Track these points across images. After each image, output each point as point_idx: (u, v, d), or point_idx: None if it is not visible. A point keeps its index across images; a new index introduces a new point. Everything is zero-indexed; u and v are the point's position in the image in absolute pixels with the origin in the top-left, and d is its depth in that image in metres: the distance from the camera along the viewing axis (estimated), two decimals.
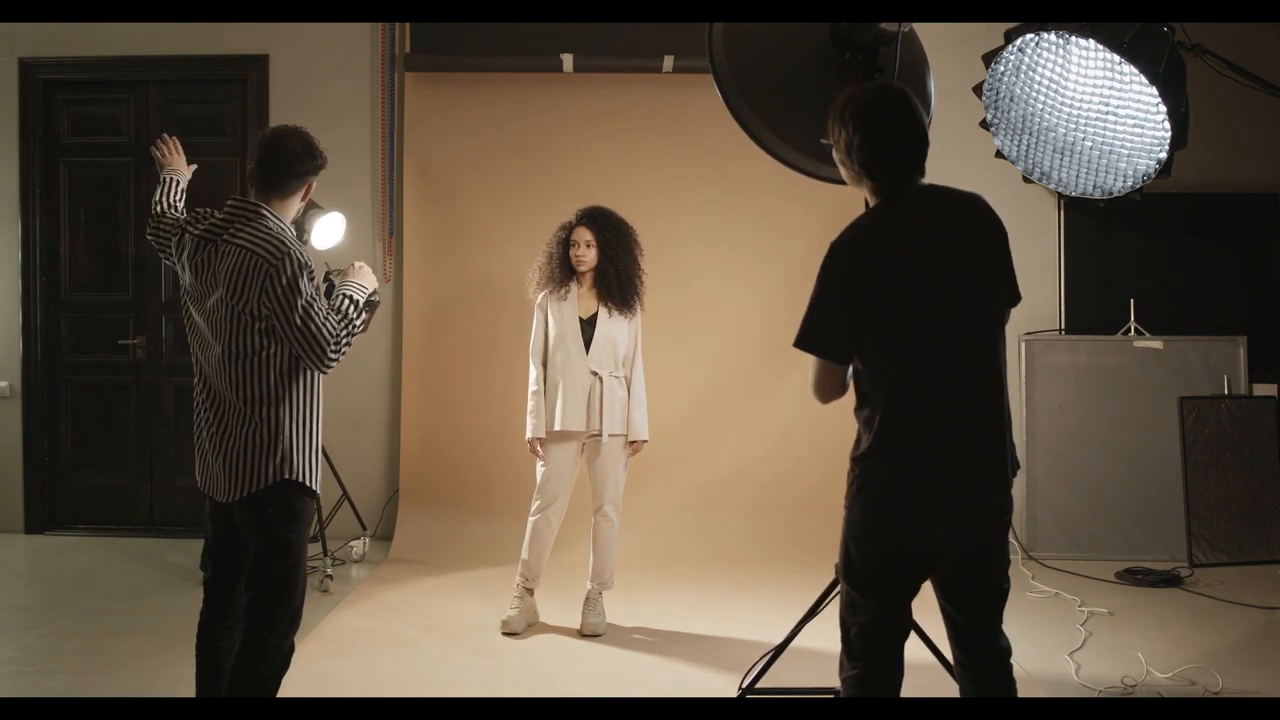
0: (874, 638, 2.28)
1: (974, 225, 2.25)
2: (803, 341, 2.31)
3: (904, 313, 2.22)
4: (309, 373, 2.59)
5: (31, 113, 5.61)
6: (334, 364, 2.56)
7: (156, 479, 5.66)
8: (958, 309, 2.20)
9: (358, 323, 2.67)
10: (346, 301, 2.67)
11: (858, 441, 2.27)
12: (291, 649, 2.61)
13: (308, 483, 2.59)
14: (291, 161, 2.61)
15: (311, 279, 2.53)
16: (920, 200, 2.25)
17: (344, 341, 2.58)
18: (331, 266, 2.86)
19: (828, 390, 2.33)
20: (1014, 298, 2.30)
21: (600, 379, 3.97)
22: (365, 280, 2.77)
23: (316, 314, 2.51)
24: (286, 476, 2.54)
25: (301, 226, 4.51)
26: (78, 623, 4.08)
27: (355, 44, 5.55)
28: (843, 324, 2.25)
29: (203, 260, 2.55)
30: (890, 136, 2.24)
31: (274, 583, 2.56)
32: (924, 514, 2.20)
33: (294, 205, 2.67)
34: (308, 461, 2.59)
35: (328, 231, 4.74)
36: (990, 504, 2.22)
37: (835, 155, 2.32)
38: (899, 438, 2.20)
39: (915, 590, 2.30)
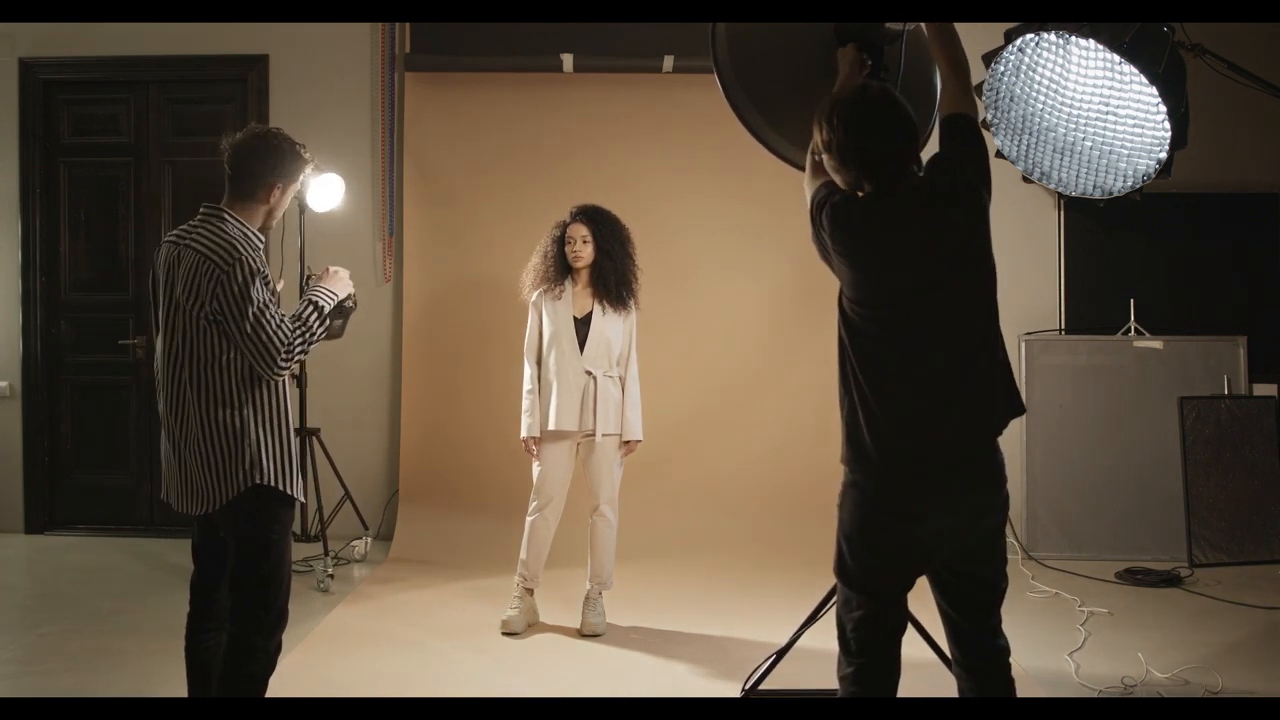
0: (869, 634, 2.29)
1: (955, 212, 2.25)
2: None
3: (886, 307, 2.23)
4: None
5: (31, 113, 5.61)
6: (285, 371, 2.53)
7: (156, 479, 5.65)
8: (941, 303, 2.21)
9: (317, 330, 2.61)
10: (310, 308, 2.62)
11: (844, 440, 2.29)
12: (278, 648, 2.60)
13: (282, 487, 2.54)
14: (247, 160, 2.58)
15: (266, 284, 2.50)
16: (910, 195, 2.26)
17: (297, 349, 2.54)
18: (312, 271, 2.84)
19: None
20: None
21: (594, 378, 3.96)
22: (337, 286, 2.73)
23: (268, 322, 2.47)
24: (257, 481, 2.50)
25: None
26: (78, 623, 4.08)
27: (355, 44, 5.55)
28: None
29: (170, 264, 2.54)
30: (880, 134, 2.25)
31: (256, 585, 2.54)
32: (909, 513, 2.20)
33: (259, 210, 2.61)
34: (279, 466, 2.54)
35: (325, 193, 4.74)
36: (979, 502, 2.22)
37: (826, 161, 2.33)
38: (881, 436, 2.21)
39: (909, 586, 2.31)
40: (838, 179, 2.35)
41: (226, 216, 2.56)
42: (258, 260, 2.50)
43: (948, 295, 2.21)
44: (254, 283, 2.46)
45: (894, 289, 2.23)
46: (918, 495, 2.20)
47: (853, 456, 2.27)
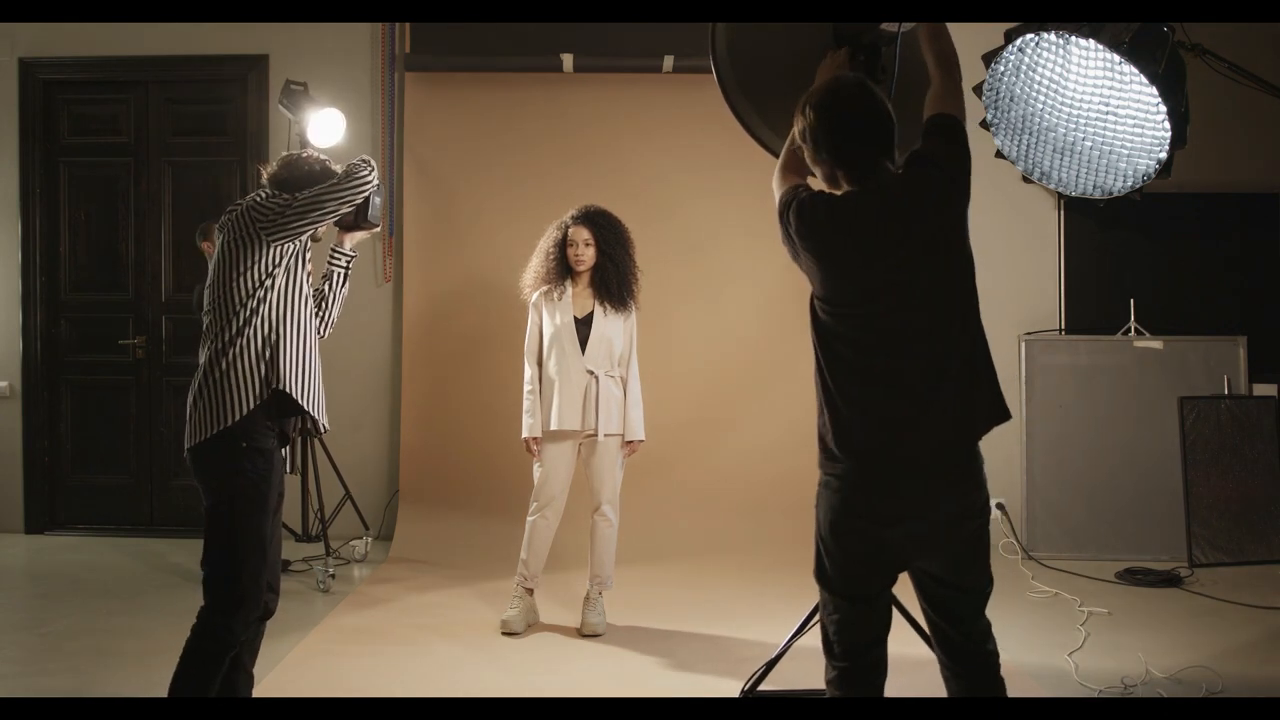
0: (851, 637, 2.25)
1: (928, 209, 2.20)
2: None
3: (853, 305, 2.19)
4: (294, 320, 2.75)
5: (31, 113, 5.61)
6: (372, 173, 2.79)
7: (156, 479, 5.66)
8: (912, 303, 2.16)
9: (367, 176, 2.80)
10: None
11: (817, 442, 2.25)
12: (244, 628, 2.65)
13: (296, 396, 2.69)
14: (287, 184, 2.81)
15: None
16: (882, 190, 2.22)
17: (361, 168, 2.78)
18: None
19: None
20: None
21: (596, 378, 3.97)
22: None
23: (313, 192, 2.73)
24: (275, 386, 2.66)
25: (301, 123, 4.75)
26: (78, 623, 4.08)
27: (355, 44, 5.56)
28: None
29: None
30: (853, 124, 2.22)
31: (218, 555, 2.64)
32: (879, 516, 2.16)
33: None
34: (298, 379, 2.71)
35: (326, 128, 4.81)
36: (954, 506, 2.16)
37: (805, 152, 2.31)
38: (849, 438, 2.17)
39: (888, 586, 2.27)
40: (817, 172, 2.32)
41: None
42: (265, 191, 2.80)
43: (918, 295, 2.16)
44: (273, 192, 2.76)
45: (861, 286, 2.19)
46: (887, 498, 2.15)
47: (824, 458, 2.23)
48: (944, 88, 2.35)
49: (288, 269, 2.73)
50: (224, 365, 2.63)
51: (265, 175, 2.87)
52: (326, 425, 2.85)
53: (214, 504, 2.64)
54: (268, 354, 2.66)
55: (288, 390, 2.67)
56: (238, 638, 2.63)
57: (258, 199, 2.74)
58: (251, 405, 2.63)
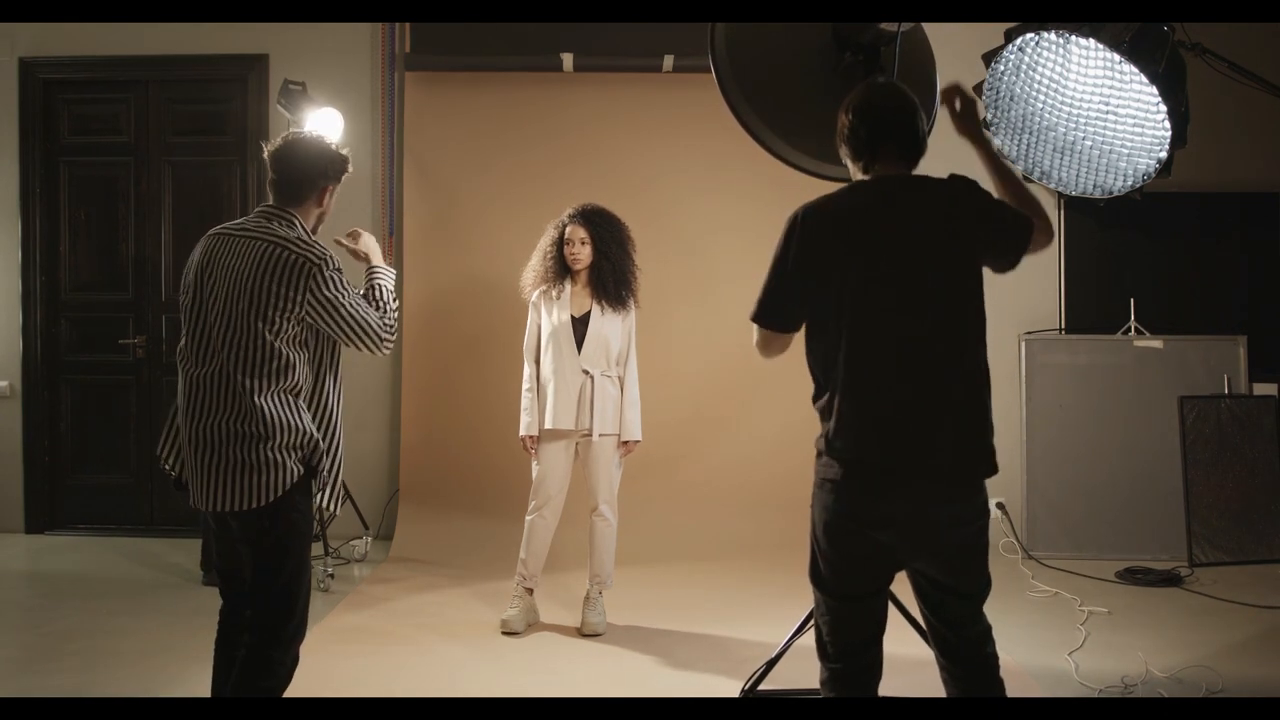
0: (845, 638, 2.25)
1: (950, 212, 2.20)
2: (759, 317, 2.32)
3: (862, 299, 2.18)
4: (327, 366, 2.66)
5: (31, 113, 5.61)
6: (391, 348, 2.76)
7: (156, 479, 5.66)
8: (922, 301, 2.15)
9: (393, 305, 2.78)
10: (379, 291, 2.77)
11: (817, 441, 2.24)
12: (295, 661, 2.57)
13: (320, 467, 2.55)
14: (298, 164, 2.62)
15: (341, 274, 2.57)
16: (897, 186, 2.23)
17: (391, 325, 2.73)
18: (337, 239, 2.92)
19: (773, 352, 2.37)
20: (1001, 265, 2.29)
21: (592, 378, 3.96)
22: (379, 258, 2.90)
23: (367, 310, 2.64)
24: (313, 464, 2.53)
25: (299, 123, 4.66)
26: (78, 623, 4.08)
27: (355, 44, 5.56)
28: (796, 293, 2.25)
29: (225, 255, 2.50)
30: (882, 127, 2.25)
31: (277, 594, 2.51)
32: (874, 520, 2.14)
33: (312, 213, 2.67)
34: (324, 449, 2.57)
35: (324, 127, 4.81)
36: (951, 509, 2.14)
37: (841, 151, 2.34)
38: (850, 439, 2.16)
39: (883, 588, 2.26)
40: (851, 170, 2.34)
41: (294, 220, 2.58)
42: (335, 257, 2.57)
43: (916, 302, 2.15)
44: (342, 276, 2.54)
45: (860, 281, 2.18)
46: (881, 500, 2.13)
47: (820, 459, 2.22)
48: (1027, 209, 2.37)
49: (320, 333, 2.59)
50: (263, 451, 2.43)
51: (267, 152, 2.66)
52: (335, 510, 2.67)
53: (268, 545, 2.49)
54: (310, 444, 2.52)
55: (320, 470, 2.56)
56: (292, 670, 2.55)
57: (318, 268, 2.48)
58: (292, 482, 2.48)
